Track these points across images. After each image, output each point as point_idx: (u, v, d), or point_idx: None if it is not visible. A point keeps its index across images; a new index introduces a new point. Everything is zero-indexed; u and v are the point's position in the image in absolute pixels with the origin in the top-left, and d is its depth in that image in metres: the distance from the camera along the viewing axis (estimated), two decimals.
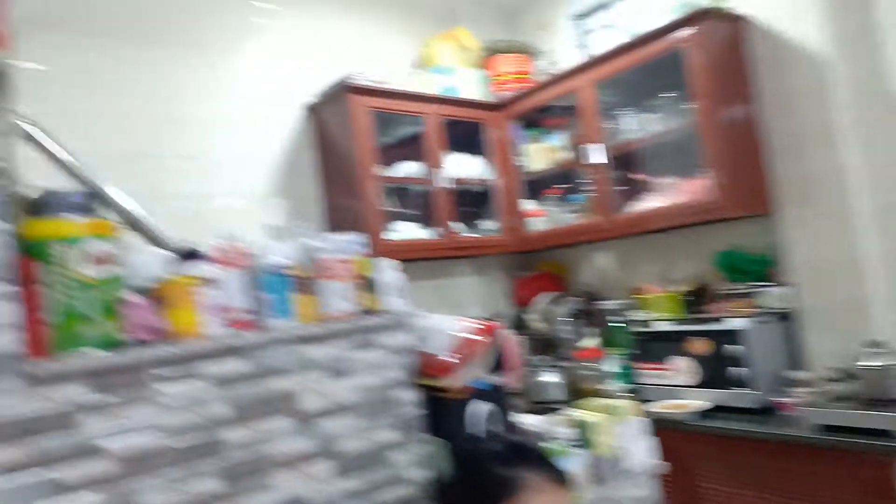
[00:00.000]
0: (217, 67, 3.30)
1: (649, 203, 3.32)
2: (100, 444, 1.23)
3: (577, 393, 3.36)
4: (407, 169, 3.58)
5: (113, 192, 2.23)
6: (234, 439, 1.39)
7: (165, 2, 3.17)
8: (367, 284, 1.65)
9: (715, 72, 2.94)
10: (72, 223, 1.25)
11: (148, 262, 1.41)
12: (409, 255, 3.45)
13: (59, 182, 2.46)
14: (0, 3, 1.23)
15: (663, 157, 3.36)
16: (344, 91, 3.31)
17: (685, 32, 3.00)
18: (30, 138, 2.13)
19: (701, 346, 3.06)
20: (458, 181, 3.67)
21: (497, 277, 4.22)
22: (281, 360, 1.47)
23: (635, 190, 3.46)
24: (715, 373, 2.98)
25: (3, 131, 1.20)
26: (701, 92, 2.96)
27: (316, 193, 3.55)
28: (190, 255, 1.41)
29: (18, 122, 2.10)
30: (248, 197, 3.31)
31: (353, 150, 3.30)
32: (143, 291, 1.35)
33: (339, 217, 3.46)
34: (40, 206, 1.27)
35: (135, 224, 2.24)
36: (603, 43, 3.64)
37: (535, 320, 3.86)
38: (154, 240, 2.26)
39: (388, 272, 1.71)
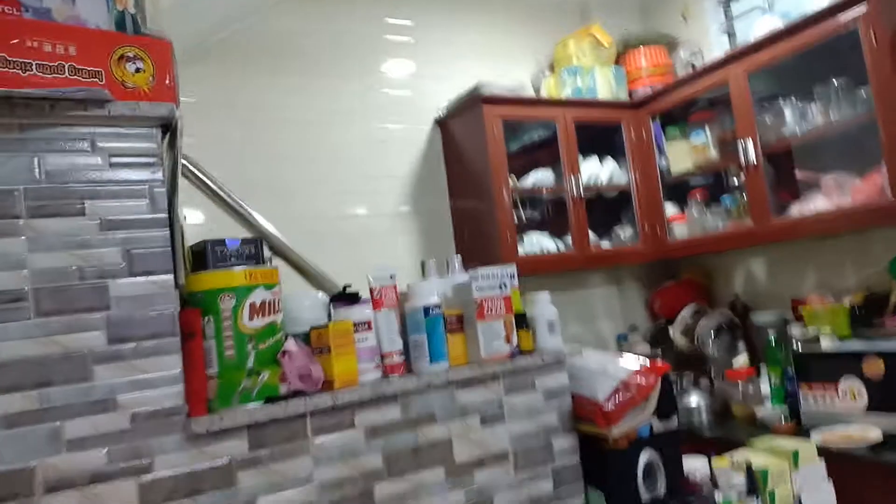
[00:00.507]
0: (352, 90, 3.33)
1: (812, 205, 3.02)
2: (258, 501, 1.22)
3: (726, 416, 3.12)
4: (537, 177, 3.47)
5: (263, 221, 2.29)
6: (387, 492, 1.35)
7: (302, 30, 3.22)
8: (521, 321, 1.57)
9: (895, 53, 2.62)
10: (239, 273, 1.25)
11: (306, 307, 1.39)
12: (541, 269, 3.34)
13: (204, 211, 2.57)
14: (168, 63, 1.24)
15: (829, 152, 3.05)
16: (474, 102, 3.24)
17: (856, 11, 2.69)
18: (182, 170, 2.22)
19: (873, 367, 2.75)
20: (592, 188, 3.51)
21: (634, 288, 4.02)
22: (434, 407, 1.42)
23: (795, 190, 3.16)
24: (889, 397, 2.67)
25: (169, 181, 1.21)
26: (878, 76, 2.65)
27: (447, 208, 3.51)
28: (346, 297, 1.39)
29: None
30: (382, 216, 3.32)
31: (485, 161, 3.23)
32: (300, 338, 1.33)
33: (471, 231, 3.40)
34: (206, 257, 1.28)
35: (281, 252, 2.28)
36: (756, 28, 3.36)
37: (677, 335, 3.64)
38: (299, 267, 2.29)
39: (543, 306, 1.62)
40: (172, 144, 1.22)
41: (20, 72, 1.08)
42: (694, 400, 3.20)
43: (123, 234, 1.17)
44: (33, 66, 1.10)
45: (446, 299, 1.50)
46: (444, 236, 3.47)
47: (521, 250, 3.28)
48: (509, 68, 3.69)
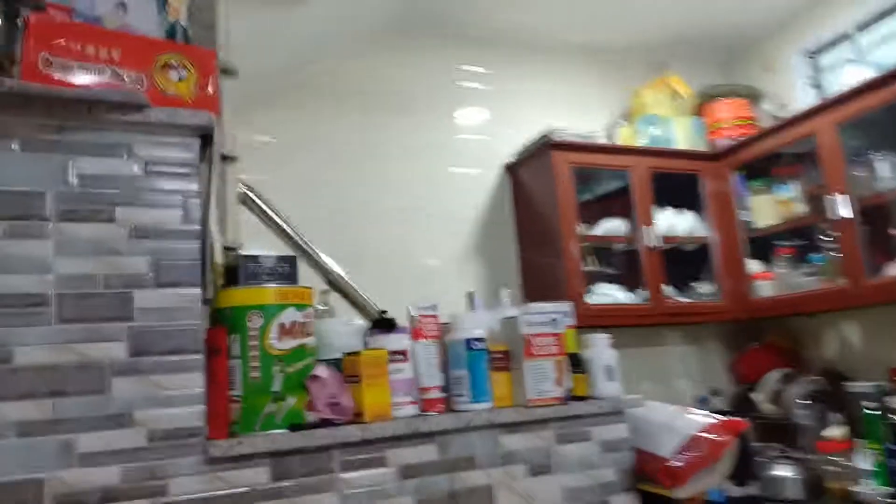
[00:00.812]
0: (424, 132, 3.32)
1: None
2: None
3: (819, 492, 2.80)
4: (610, 227, 3.32)
5: (321, 253, 2.24)
6: None
7: (375, 72, 3.26)
8: (576, 363, 1.42)
9: None
10: (269, 291, 1.18)
11: (341, 333, 1.30)
12: (612, 321, 3.15)
13: (271, 246, 2.56)
14: (211, 73, 1.21)
15: None
16: (545, 148, 3.15)
17: None
18: (247, 202, 2.20)
19: None
20: (669, 239, 3.32)
21: (714, 349, 3.75)
22: (475, 450, 1.28)
23: (890, 249, 2.89)
24: None
25: (201, 192, 1.16)
26: None
27: (513, 255, 3.40)
28: (383, 324, 1.29)
29: (239, 188, 2.19)
30: (444, 258, 3.25)
31: (554, 207, 3.12)
32: (332, 365, 1.24)
33: (538, 279, 3.27)
34: (238, 273, 1.22)
35: (340, 287, 2.22)
36: (845, 79, 3.16)
37: (762, 401, 3.34)
38: (356, 303, 2.22)
39: (600, 349, 1.47)
40: (209, 155, 1.18)
41: (61, 73, 1.07)
42: (781, 471, 2.90)
43: (153, 243, 1.12)
44: (74, 68, 1.08)
45: (492, 334, 1.38)
46: (509, 283, 3.35)
47: (589, 301, 3.12)
48: (583, 117, 3.59)
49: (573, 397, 1.40)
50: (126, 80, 1.12)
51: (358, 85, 3.22)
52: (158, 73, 1.15)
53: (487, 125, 3.49)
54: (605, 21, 3.53)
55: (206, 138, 1.20)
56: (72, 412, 1.04)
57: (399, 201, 3.18)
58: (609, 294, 3.26)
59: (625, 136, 3.50)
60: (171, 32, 1.26)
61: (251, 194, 2.22)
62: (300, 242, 2.27)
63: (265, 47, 2.58)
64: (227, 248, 1.97)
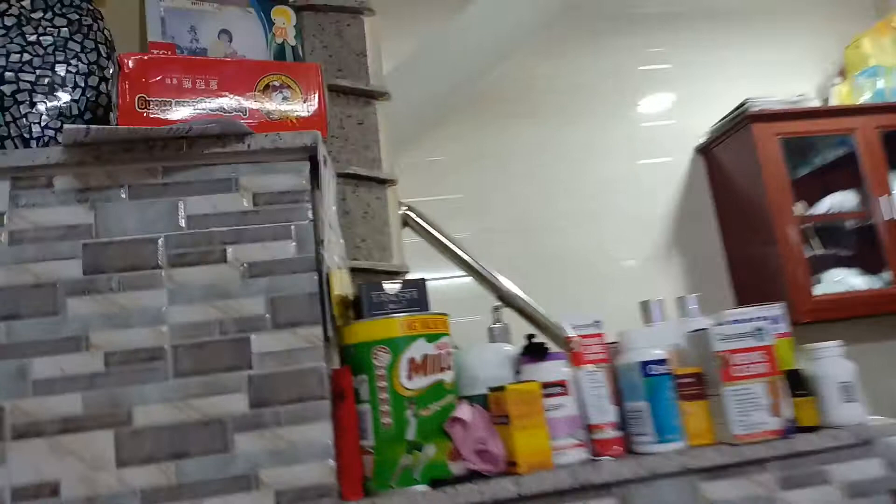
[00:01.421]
0: (604, 126, 3.01)
1: None
2: None
3: None
4: (835, 202, 2.76)
5: (492, 270, 2.07)
6: None
7: (546, 72, 3.01)
8: (798, 383, 1.07)
9: None
10: (395, 322, 1.00)
11: (488, 363, 1.09)
12: (849, 313, 2.60)
13: (439, 267, 2.44)
14: (317, 89, 1.08)
15: None
16: (744, 121, 2.70)
17: None
18: (410, 223, 2.09)
19: None
20: None
21: None
22: (668, 503, 0.99)
23: None
24: None
25: (314, 219, 1.02)
26: None
27: (718, 248, 2.96)
28: (533, 350, 1.06)
29: (401, 210, 2.08)
30: (641, 258, 2.90)
31: (761, 188, 2.64)
32: (478, 402, 1.03)
33: (751, 274, 2.80)
34: (362, 305, 1.06)
35: (513, 303, 2.02)
36: None
37: None
38: (534, 320, 2.00)
39: (832, 361, 1.10)
40: (319, 177, 1.04)
41: (159, 111, 0.99)
42: None
43: (267, 280, 0.99)
44: (172, 104, 1.00)
45: (678, 353, 1.08)
46: (715, 280, 2.91)
47: (818, 291, 2.59)
48: (786, 82, 3.05)
49: (797, 428, 1.05)
50: (226, 108, 1.02)
51: (527, 89, 3.00)
52: (260, 96, 1.03)
53: (675, 108, 3.09)
54: None
55: (314, 159, 1.06)
56: (195, 475, 0.93)
57: (584, 204, 2.91)
58: (843, 281, 2.70)
59: (842, 96, 2.91)
60: (279, 55, 1.14)
61: (413, 215, 2.10)
62: (468, 259, 2.10)
63: (428, 67, 2.46)
64: (391, 273, 1.85)
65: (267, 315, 0.98)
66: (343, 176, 1.84)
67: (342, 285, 1.04)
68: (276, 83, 1.04)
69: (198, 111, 1.00)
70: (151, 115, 0.98)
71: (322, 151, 1.02)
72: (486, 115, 2.91)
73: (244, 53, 1.11)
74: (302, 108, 1.05)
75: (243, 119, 1.02)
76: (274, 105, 1.04)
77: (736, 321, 1.07)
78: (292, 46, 1.14)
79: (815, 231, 2.78)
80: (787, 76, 3.09)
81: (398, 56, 2.26)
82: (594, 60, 3.07)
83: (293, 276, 1.00)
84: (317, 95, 1.07)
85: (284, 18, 1.13)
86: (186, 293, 0.98)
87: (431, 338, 0.99)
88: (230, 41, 1.10)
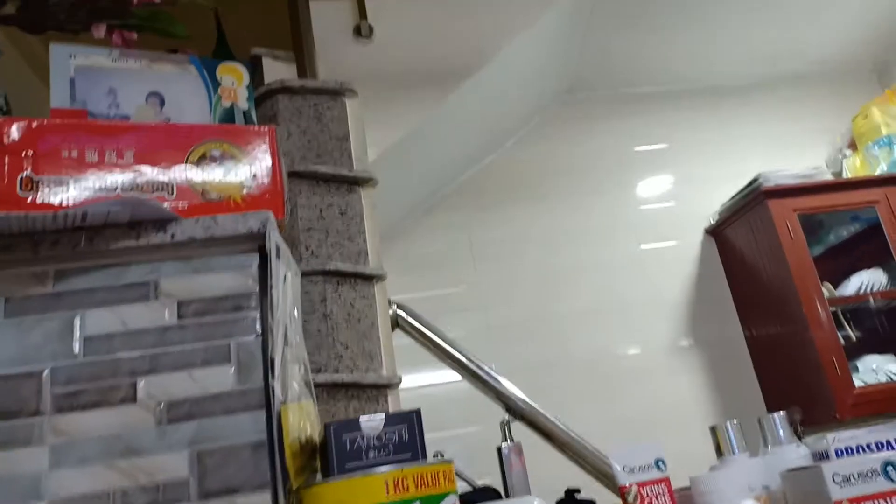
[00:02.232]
0: (604, 210, 2.76)
1: None
2: None
3: None
4: (862, 280, 2.48)
5: (498, 376, 1.75)
6: None
7: (543, 157, 2.79)
8: None
9: None
10: (378, 479, 0.68)
11: None
12: (893, 407, 2.26)
13: (436, 372, 2.13)
14: (272, 157, 0.80)
15: None
16: (758, 197, 2.45)
17: None
18: (401, 324, 1.78)
19: None
20: None
21: None
22: None
23: None
24: None
25: (264, 330, 0.72)
26: None
27: (737, 332, 2.65)
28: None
29: (391, 309, 1.78)
30: (654, 352, 2.58)
31: (783, 268, 2.36)
32: None
33: (777, 362, 2.48)
34: (327, 453, 0.75)
35: (524, 415, 1.69)
36: None
37: None
38: (552, 436, 1.67)
39: None
40: (270, 275, 0.75)
41: (50, 194, 0.70)
42: None
43: (193, 426, 0.68)
44: (69, 184, 0.71)
45: (772, 499, 0.76)
46: (739, 373, 2.58)
47: (857, 382, 2.27)
48: (792, 157, 2.83)
49: None
50: (144, 186, 0.73)
51: (523, 174, 2.76)
52: (193, 169, 0.76)
53: (676, 189, 2.85)
54: (796, 43, 2.82)
55: (264, 250, 0.77)
56: None
57: (589, 294, 2.61)
58: (880, 369, 2.38)
59: (856, 168, 2.69)
60: (227, 121, 0.88)
61: (404, 315, 1.80)
62: (468, 363, 1.79)
63: (418, 153, 2.22)
64: (380, 386, 1.53)
65: (191, 479, 0.66)
66: (323, 273, 1.55)
67: (302, 426, 0.72)
68: (216, 152, 0.76)
69: (103, 192, 0.71)
70: (39, 200, 0.70)
71: (274, 239, 0.73)
72: (480, 202, 2.66)
73: (180, 121, 0.84)
74: (250, 183, 0.77)
75: (167, 200, 0.73)
76: (212, 180, 0.76)
77: (852, 450, 0.76)
78: (244, 111, 0.87)
79: (844, 314, 2.49)
80: (794, 150, 2.88)
81: (384, 143, 2.02)
82: (590, 143, 2.86)
83: (231, 419, 0.68)
84: (270, 167, 0.79)
85: (234, 78, 0.87)
86: (77, 450, 0.66)
87: (431, 501, 0.67)
88: (161, 106, 0.84)
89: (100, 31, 0.91)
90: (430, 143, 2.22)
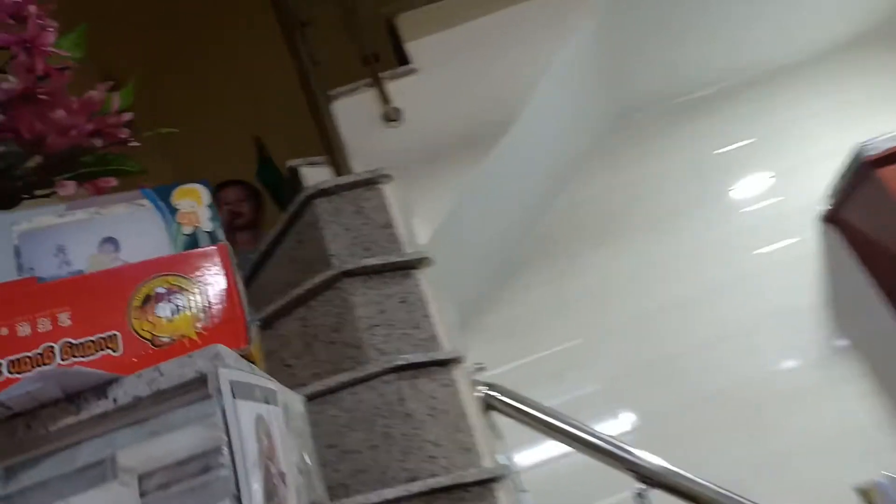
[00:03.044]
0: (700, 226, 2.47)
1: None
2: None
3: None
4: None
5: (620, 443, 1.50)
6: None
7: (616, 187, 2.57)
8: None
9: None
10: None
11: None
12: None
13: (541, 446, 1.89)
14: (227, 278, 0.67)
15: None
16: (864, 170, 2.10)
17: None
18: (494, 405, 1.59)
19: None
20: None
21: None
22: None
23: None
24: None
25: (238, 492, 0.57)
26: None
27: (892, 325, 2.22)
28: None
29: (478, 391, 1.60)
30: (799, 368, 2.21)
31: None
32: None
33: None
34: None
35: (663, 481, 1.43)
36: None
37: None
38: (695, 498, 1.39)
39: None
40: (224, 419, 0.60)
41: None
42: None
43: None
44: (2, 367, 0.61)
45: None
46: None
47: None
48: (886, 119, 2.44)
49: None
50: (87, 350, 0.62)
51: (600, 209, 2.54)
52: (139, 315, 0.64)
53: (776, 183, 2.52)
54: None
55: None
56: None
57: (707, 321, 2.30)
58: None
59: None
60: (191, 247, 0.76)
61: (496, 395, 1.60)
62: (580, 433, 1.55)
63: (474, 216, 2.08)
64: (484, 482, 1.34)
65: None
66: (395, 371, 1.41)
67: None
68: (161, 289, 0.64)
69: (36, 370, 0.60)
70: None
71: (227, 377, 0.59)
72: (558, 251, 2.45)
73: (141, 257, 0.74)
74: (204, 315, 0.64)
75: (114, 355, 0.61)
76: (161, 322, 0.63)
77: None
78: (209, 232, 0.76)
79: None
80: (885, 111, 2.48)
81: (437, 219, 1.89)
82: (661, 161, 2.60)
83: None
84: (224, 290, 0.66)
85: (192, 200, 0.77)
86: None
87: None
88: (116, 250, 0.74)
89: (67, 188, 0.84)
90: (484, 205, 2.07)
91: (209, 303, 0.64)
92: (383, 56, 2.11)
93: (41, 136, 0.82)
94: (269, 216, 2.32)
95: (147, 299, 0.63)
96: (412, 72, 2.04)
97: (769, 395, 2.12)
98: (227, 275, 0.66)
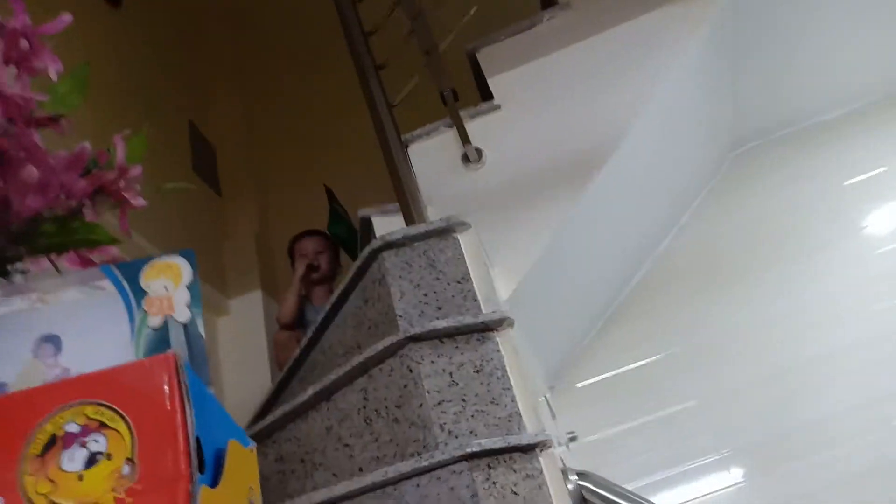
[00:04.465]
0: (825, 271, 2.07)
1: None
2: None
3: None
4: None
5: None
6: None
7: (733, 227, 2.21)
8: None
9: None
10: None
11: None
12: None
13: None
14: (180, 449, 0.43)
15: None
16: None
17: None
18: (588, 499, 1.28)
19: None
20: None
21: None
22: None
23: None
24: None
25: None
26: None
27: None
28: None
29: (569, 483, 1.29)
30: None
31: None
32: None
33: None
34: None
35: None
36: None
37: None
38: None
39: None
40: None
41: None
42: None
43: None
44: None
45: None
46: None
47: None
48: None
49: None
50: None
51: (713, 252, 2.17)
52: (33, 469, 0.41)
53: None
54: None
55: None
56: None
57: (855, 381, 1.87)
58: None
59: None
60: (158, 346, 0.54)
61: (591, 486, 1.28)
62: None
63: (566, 263, 1.79)
64: None
65: None
66: (467, 458, 1.15)
67: None
68: (73, 427, 0.42)
69: None
70: None
71: None
72: (665, 300, 2.11)
73: (86, 369, 0.52)
74: (130, 470, 0.40)
75: None
76: (65, 481, 0.40)
77: None
78: (185, 324, 0.54)
79: None
80: None
81: (521, 270, 1.62)
82: (783, 193, 2.21)
83: None
84: (168, 425, 0.42)
85: (168, 279, 0.55)
86: None
87: None
88: (56, 353, 0.53)
89: (39, 264, 0.66)
90: (576, 252, 1.77)
91: (142, 449, 0.40)
92: (464, 95, 1.89)
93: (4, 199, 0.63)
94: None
95: (50, 443, 0.41)
96: (495, 108, 1.80)
97: None
98: (173, 403, 0.42)
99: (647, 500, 1.21)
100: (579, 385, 2.03)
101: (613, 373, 2.04)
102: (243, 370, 2.04)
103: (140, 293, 0.54)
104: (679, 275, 2.13)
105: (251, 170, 2.66)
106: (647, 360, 2.04)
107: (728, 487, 1.84)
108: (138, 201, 0.74)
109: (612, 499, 1.20)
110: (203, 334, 0.55)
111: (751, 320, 2.01)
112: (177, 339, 0.52)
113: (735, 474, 1.86)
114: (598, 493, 1.21)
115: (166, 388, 0.43)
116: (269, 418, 1.41)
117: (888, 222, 2.14)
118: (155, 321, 0.53)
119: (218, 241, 2.43)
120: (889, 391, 1.83)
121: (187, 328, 0.53)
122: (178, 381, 0.44)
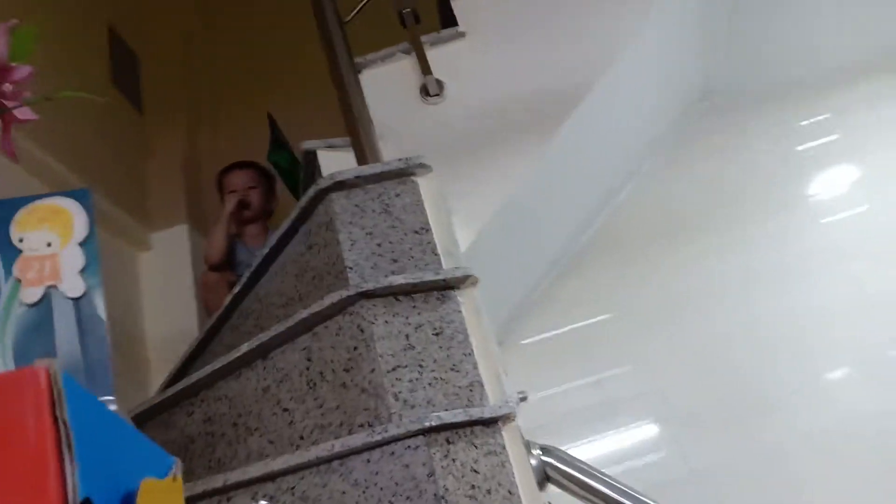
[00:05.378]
0: (776, 243, 2.01)
1: None
2: None
3: None
4: None
5: None
6: None
7: (676, 193, 2.12)
8: None
9: None
10: None
11: None
12: None
13: None
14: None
15: None
16: None
17: None
18: (553, 480, 1.17)
19: None
20: None
21: None
22: None
23: None
24: None
25: None
26: None
27: None
28: None
29: (532, 458, 1.18)
30: None
31: None
32: None
33: None
34: None
35: None
36: None
37: None
38: None
39: None
40: None
41: None
42: None
43: None
44: None
45: None
46: None
47: None
48: None
49: None
50: None
51: (673, 206, 2.08)
52: None
53: (863, 184, 2.06)
54: None
55: None
56: None
57: (793, 356, 1.84)
58: None
59: None
60: (34, 333, 0.34)
61: (554, 461, 1.18)
62: None
63: (526, 216, 1.65)
64: None
65: None
66: (423, 433, 1.01)
67: None
68: None
69: None
70: None
71: None
72: (616, 258, 2.00)
73: None
74: None
75: None
76: None
77: None
78: (76, 300, 0.34)
79: None
80: None
81: (482, 219, 1.46)
82: (743, 156, 2.13)
83: None
84: (38, 464, 0.24)
85: (53, 231, 0.35)
86: None
87: None
88: None
89: None
90: (537, 201, 1.62)
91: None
92: (426, 18, 1.67)
93: None
94: (285, 206, 1.91)
95: None
96: (459, 36, 1.59)
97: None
98: (42, 445, 0.24)
99: (610, 476, 1.11)
100: (524, 342, 1.93)
101: (558, 331, 1.94)
102: (167, 313, 1.81)
103: (12, 251, 0.34)
104: (632, 231, 2.04)
105: (181, 88, 2.32)
106: (593, 319, 1.95)
107: (663, 453, 1.80)
108: (26, 114, 0.52)
109: (575, 476, 1.09)
110: (104, 316, 0.36)
111: (696, 284, 1.95)
112: (63, 323, 0.33)
113: (670, 440, 1.82)
114: (561, 469, 1.10)
115: (32, 420, 0.24)
116: (196, 375, 1.23)
117: (835, 190, 2.11)
118: (31, 294, 0.33)
119: (139, 167, 2.13)
120: (828, 361, 1.82)
121: (79, 306, 0.34)
122: (54, 410, 0.26)
